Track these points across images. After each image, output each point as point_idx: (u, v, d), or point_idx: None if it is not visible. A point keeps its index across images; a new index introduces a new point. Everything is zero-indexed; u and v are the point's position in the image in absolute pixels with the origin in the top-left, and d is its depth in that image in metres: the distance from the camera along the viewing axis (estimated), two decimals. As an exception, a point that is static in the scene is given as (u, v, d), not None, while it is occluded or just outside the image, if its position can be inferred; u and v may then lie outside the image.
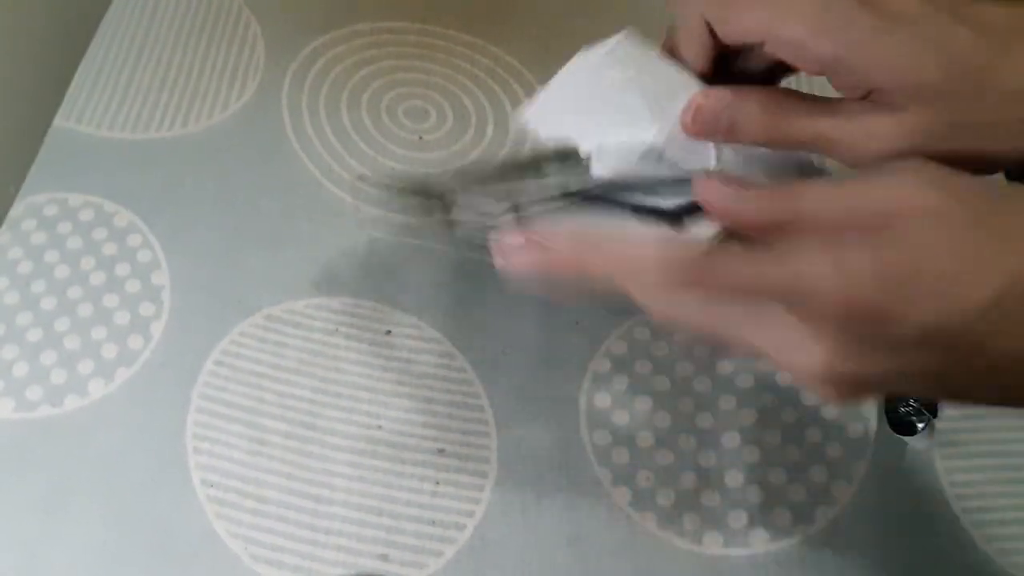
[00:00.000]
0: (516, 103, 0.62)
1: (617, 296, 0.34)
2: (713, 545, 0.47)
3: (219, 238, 0.55)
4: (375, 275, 0.54)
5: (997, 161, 0.35)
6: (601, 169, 0.39)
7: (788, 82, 0.40)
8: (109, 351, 0.51)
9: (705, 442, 0.50)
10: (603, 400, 0.51)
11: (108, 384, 0.50)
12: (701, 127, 0.37)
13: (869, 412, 0.51)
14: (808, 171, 0.40)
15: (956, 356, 0.30)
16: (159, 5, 0.65)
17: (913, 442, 0.50)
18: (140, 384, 0.50)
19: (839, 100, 0.36)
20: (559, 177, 0.40)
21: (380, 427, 0.50)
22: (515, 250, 0.35)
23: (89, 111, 0.60)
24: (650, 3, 0.67)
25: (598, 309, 0.54)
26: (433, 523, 0.47)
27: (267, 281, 0.54)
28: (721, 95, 0.37)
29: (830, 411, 0.51)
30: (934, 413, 0.50)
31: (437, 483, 0.48)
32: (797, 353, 0.31)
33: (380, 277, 0.54)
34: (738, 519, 0.48)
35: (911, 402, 0.50)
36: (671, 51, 0.40)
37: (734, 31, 0.37)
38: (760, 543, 0.47)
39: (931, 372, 0.30)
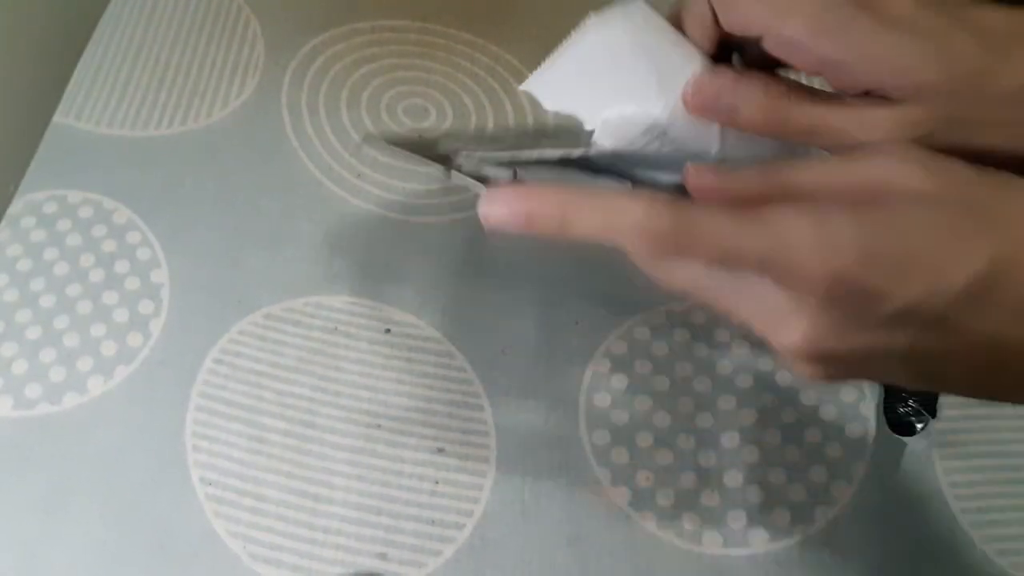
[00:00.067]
0: (516, 102, 0.62)
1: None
2: (713, 545, 0.47)
3: (218, 236, 0.55)
4: (375, 274, 0.54)
5: (995, 160, 0.35)
6: (604, 140, 0.38)
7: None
8: (108, 349, 0.51)
9: (705, 442, 0.50)
10: (603, 400, 0.51)
11: (107, 382, 0.50)
12: (701, 104, 0.37)
13: (868, 412, 0.51)
14: None
15: (934, 336, 0.29)
16: (158, 2, 0.65)
17: (912, 442, 0.50)
18: (139, 382, 0.50)
19: (839, 94, 0.36)
20: (559, 147, 0.40)
21: (379, 426, 0.50)
22: (498, 200, 0.34)
23: (88, 108, 0.60)
24: (650, 3, 0.67)
25: (598, 309, 0.54)
26: (432, 522, 0.47)
27: (266, 279, 0.54)
28: (725, 75, 0.37)
29: (830, 411, 0.51)
30: (933, 414, 0.50)
31: (436, 482, 0.48)
32: (779, 326, 0.31)
33: (380, 276, 0.54)
34: (738, 519, 0.48)
35: (910, 403, 0.50)
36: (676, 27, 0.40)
37: (736, 21, 0.37)
38: (760, 543, 0.47)
39: (908, 352, 0.30)
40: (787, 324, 0.30)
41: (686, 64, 0.38)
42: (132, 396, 0.50)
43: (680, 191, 0.36)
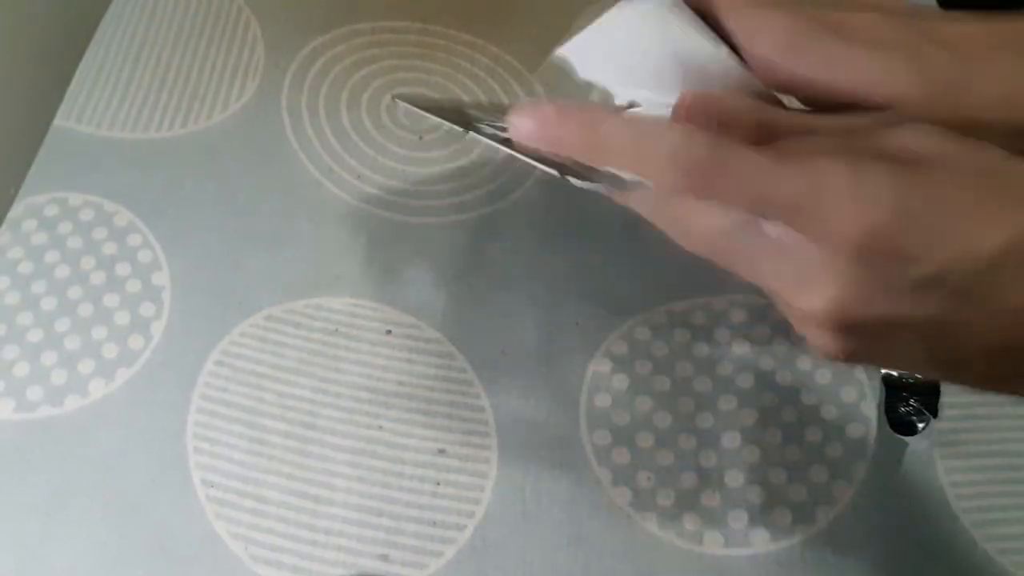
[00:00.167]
0: (516, 102, 0.62)
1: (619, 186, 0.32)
2: (713, 545, 0.47)
3: (219, 238, 0.55)
4: (376, 276, 0.54)
5: None
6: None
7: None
8: (109, 351, 0.51)
9: (705, 442, 0.50)
10: (603, 400, 0.51)
11: (108, 384, 0.50)
12: (694, 113, 0.37)
13: (869, 412, 0.51)
14: None
15: (959, 307, 0.29)
16: (159, 5, 0.65)
17: (913, 442, 0.50)
18: (140, 384, 0.50)
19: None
20: None
21: (380, 427, 0.50)
22: (529, 114, 0.32)
23: (89, 111, 0.60)
24: None
25: (598, 309, 0.54)
26: (433, 523, 0.47)
27: (267, 281, 0.54)
28: (710, 99, 0.37)
29: (831, 411, 0.51)
30: (934, 413, 0.50)
31: (437, 483, 0.48)
32: (804, 287, 0.29)
33: (380, 278, 0.54)
34: (738, 519, 0.48)
35: (911, 402, 0.50)
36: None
37: (722, 29, 0.37)
38: (760, 543, 0.47)
39: (931, 324, 0.29)
40: (813, 285, 0.29)
41: (713, 63, 0.37)
42: (133, 398, 0.50)
43: None
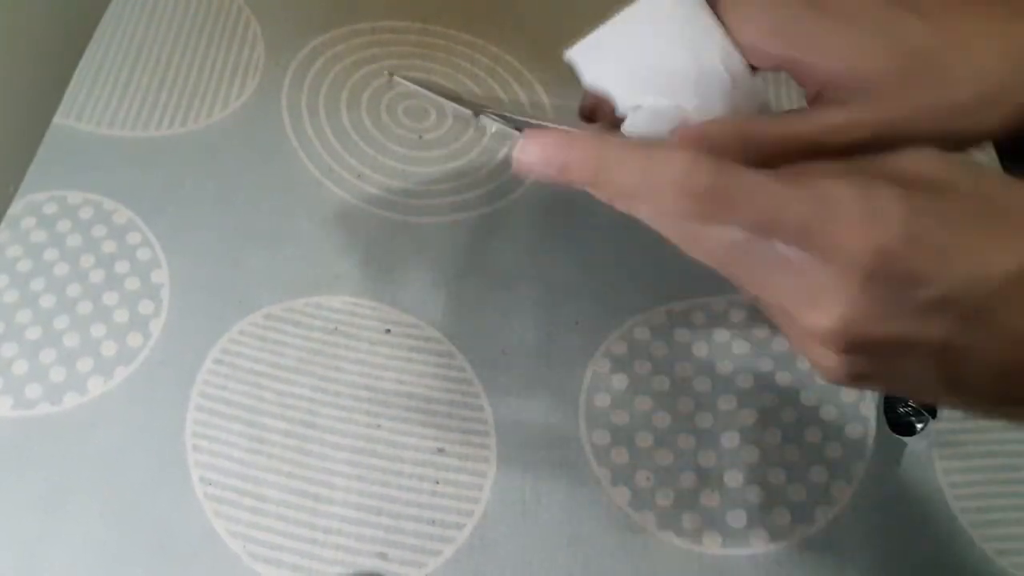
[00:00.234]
0: (516, 102, 0.62)
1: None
2: (713, 545, 0.47)
3: (218, 236, 0.55)
4: (375, 275, 0.54)
5: (962, 140, 0.35)
6: (632, 129, 0.38)
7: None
8: (108, 349, 0.51)
9: (705, 442, 0.50)
10: (603, 400, 0.51)
11: (107, 382, 0.50)
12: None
13: (868, 412, 0.51)
14: None
15: (967, 330, 0.28)
16: (159, 4, 0.65)
17: (912, 443, 0.50)
18: (139, 382, 0.50)
19: (795, 109, 0.37)
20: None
21: (379, 426, 0.50)
22: (533, 144, 0.32)
23: (89, 109, 0.60)
24: None
25: (598, 309, 0.54)
26: (432, 522, 0.47)
27: (267, 280, 0.54)
28: (691, 133, 0.37)
29: (830, 411, 0.51)
30: (933, 414, 0.50)
31: (437, 482, 0.48)
32: (812, 305, 0.29)
33: (380, 277, 0.54)
34: (738, 519, 0.48)
35: (910, 402, 0.50)
36: None
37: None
38: (760, 543, 0.47)
39: (938, 346, 0.29)
40: (820, 302, 0.29)
41: (725, 67, 0.38)
42: (132, 396, 0.50)
43: None
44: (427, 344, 0.52)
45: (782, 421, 0.50)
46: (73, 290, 0.52)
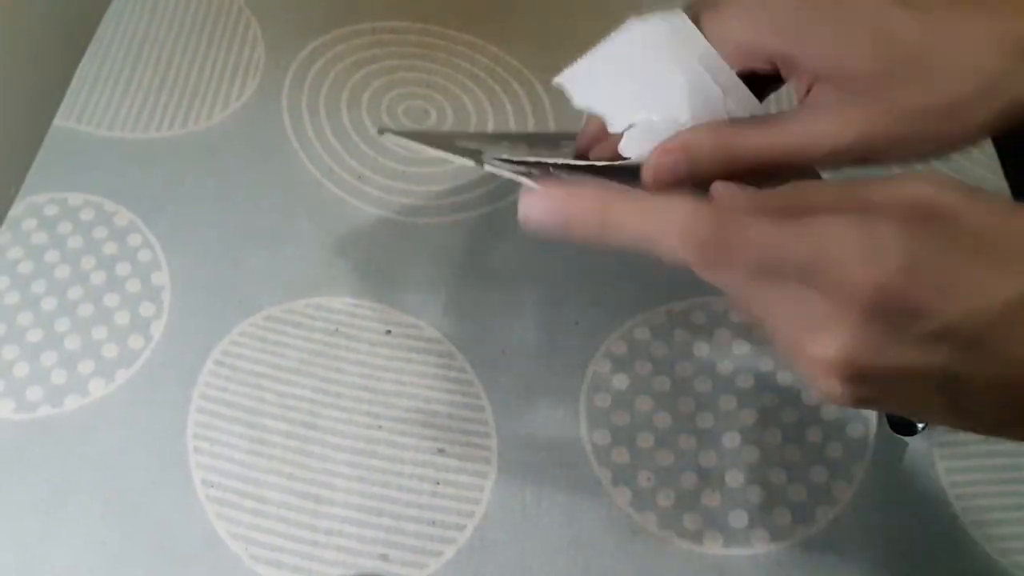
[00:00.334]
0: (516, 102, 0.62)
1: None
2: (713, 545, 0.47)
3: (219, 238, 0.55)
4: (375, 275, 0.54)
5: (951, 141, 0.35)
6: (628, 149, 0.38)
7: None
8: (109, 351, 0.51)
9: (705, 442, 0.50)
10: (603, 400, 0.51)
11: (108, 384, 0.50)
12: (664, 182, 0.37)
13: (869, 412, 0.51)
14: None
15: (969, 359, 0.29)
16: (159, 4, 0.65)
17: (913, 442, 0.50)
18: (140, 384, 0.50)
19: (780, 113, 0.37)
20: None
21: (380, 427, 0.50)
22: (537, 202, 0.33)
23: (89, 111, 0.60)
24: (649, 3, 0.67)
25: (598, 309, 0.54)
26: (433, 523, 0.47)
27: (267, 281, 0.54)
28: (673, 147, 0.37)
29: (830, 411, 0.51)
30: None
31: (437, 483, 0.48)
32: (815, 337, 0.30)
33: (380, 277, 0.54)
34: (738, 519, 0.48)
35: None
36: None
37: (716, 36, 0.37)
38: (760, 543, 0.47)
39: (941, 375, 0.29)
40: (824, 335, 0.29)
41: (717, 81, 0.38)
42: (133, 398, 0.50)
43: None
44: (427, 345, 0.52)
45: (783, 421, 0.50)
46: (74, 292, 0.52)
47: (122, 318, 0.52)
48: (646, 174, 0.37)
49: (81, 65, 0.62)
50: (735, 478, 0.49)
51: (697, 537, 0.47)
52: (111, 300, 0.52)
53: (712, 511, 0.48)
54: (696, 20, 0.38)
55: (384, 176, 0.58)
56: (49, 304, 0.52)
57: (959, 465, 0.49)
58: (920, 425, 0.50)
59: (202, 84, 0.61)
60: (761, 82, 0.39)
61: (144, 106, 0.60)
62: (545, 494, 0.48)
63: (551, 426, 0.50)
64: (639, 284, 0.54)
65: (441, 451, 0.49)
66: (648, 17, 0.40)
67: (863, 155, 0.35)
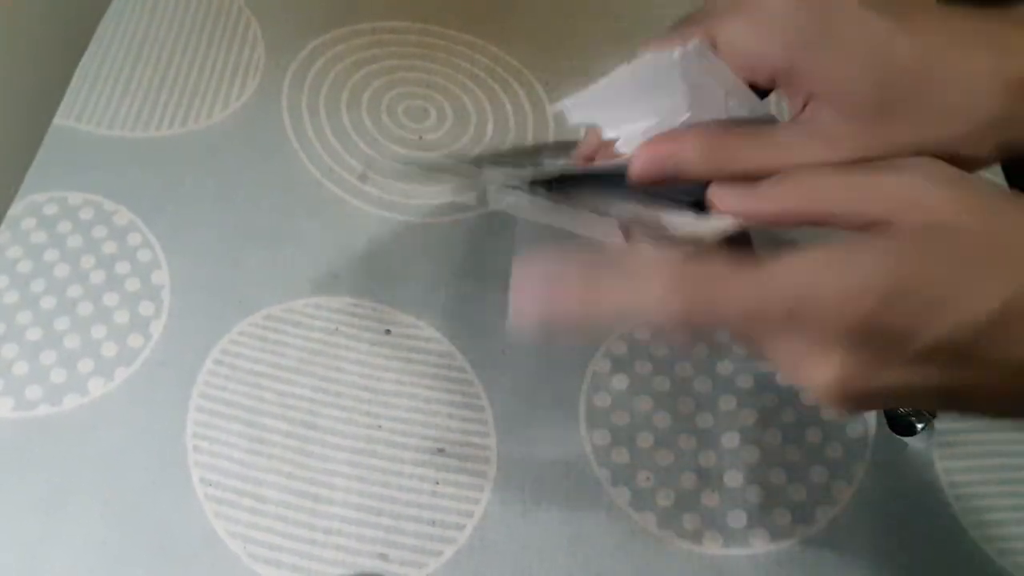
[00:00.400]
0: (516, 102, 0.62)
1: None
2: (713, 545, 0.47)
3: (219, 237, 0.55)
4: (375, 275, 0.54)
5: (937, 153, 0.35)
6: (625, 145, 0.38)
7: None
8: (109, 350, 0.51)
9: (705, 442, 0.50)
10: (603, 400, 0.51)
11: (108, 383, 0.50)
12: (647, 182, 0.37)
13: (869, 412, 0.51)
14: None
15: (962, 369, 0.29)
16: (159, 4, 0.65)
17: (913, 442, 0.50)
18: (140, 383, 0.50)
19: (774, 125, 0.37)
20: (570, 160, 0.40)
21: (380, 427, 0.50)
22: (524, 303, 0.35)
23: (89, 110, 0.60)
24: (649, 3, 0.67)
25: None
26: (433, 523, 0.47)
27: (267, 280, 0.54)
28: (660, 150, 0.37)
29: (830, 412, 0.51)
30: (933, 414, 0.50)
31: (437, 483, 0.48)
32: (809, 368, 0.31)
33: (380, 277, 0.54)
34: (738, 519, 0.48)
35: (911, 402, 0.50)
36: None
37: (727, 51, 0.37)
38: (760, 543, 0.47)
39: (940, 385, 0.30)
40: (815, 367, 0.31)
41: (716, 79, 0.37)
42: (133, 397, 0.50)
43: (698, 203, 0.36)
44: (427, 344, 0.52)
45: (782, 421, 0.50)
46: (74, 291, 0.52)
47: (121, 317, 0.52)
48: (632, 169, 0.37)
49: (81, 64, 0.62)
50: (735, 478, 0.49)
51: (696, 537, 0.47)
52: (110, 299, 0.52)
53: (712, 511, 0.48)
54: (701, 25, 0.38)
55: (384, 176, 0.58)
56: (48, 303, 0.52)
57: (959, 465, 0.50)
58: (920, 425, 0.50)
59: (202, 84, 0.61)
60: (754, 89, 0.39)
61: (144, 105, 0.60)
62: (545, 494, 0.48)
63: (551, 426, 0.50)
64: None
65: (441, 451, 0.49)
66: (668, 50, 0.40)
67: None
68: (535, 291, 0.34)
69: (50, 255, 0.54)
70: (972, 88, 0.33)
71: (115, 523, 0.46)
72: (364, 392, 0.51)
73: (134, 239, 0.55)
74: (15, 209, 0.55)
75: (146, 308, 0.52)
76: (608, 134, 0.39)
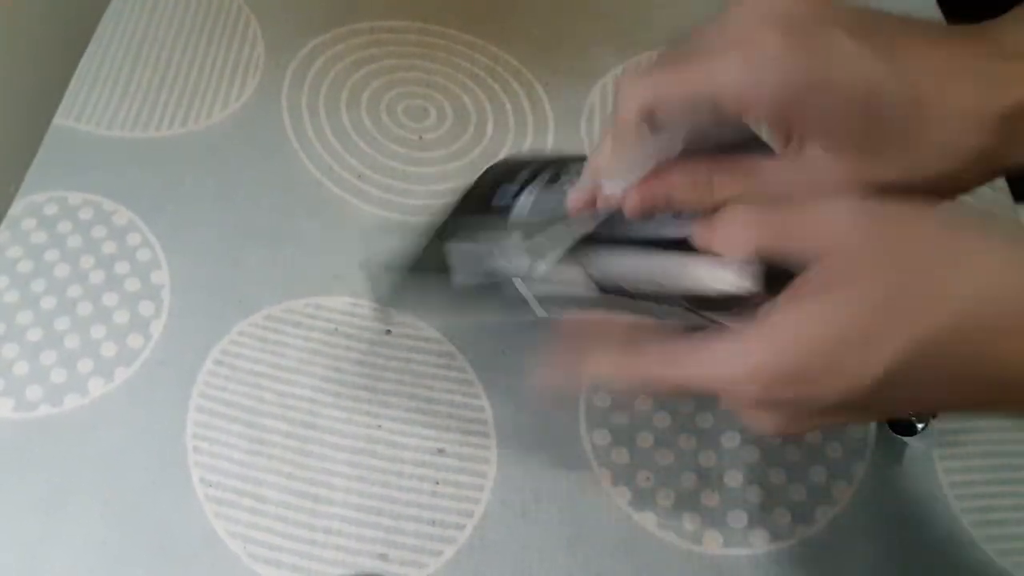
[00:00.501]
0: (516, 102, 0.62)
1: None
2: (713, 545, 0.47)
3: (219, 237, 0.55)
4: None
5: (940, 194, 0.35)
6: (613, 187, 0.38)
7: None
8: (109, 350, 0.51)
9: (705, 442, 0.50)
10: (603, 400, 0.51)
11: (108, 383, 0.50)
12: (642, 211, 0.38)
13: (869, 412, 0.51)
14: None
15: (875, 409, 0.34)
16: (159, 3, 0.65)
17: (912, 442, 0.50)
18: (140, 383, 0.50)
19: (764, 158, 0.37)
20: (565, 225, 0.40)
21: (380, 427, 0.50)
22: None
23: (89, 110, 0.60)
24: (649, 4, 0.67)
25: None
26: (433, 523, 0.47)
27: (267, 280, 0.54)
28: (652, 196, 0.38)
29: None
30: (933, 413, 0.50)
31: (437, 483, 0.48)
32: (752, 421, 0.35)
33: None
34: (738, 519, 0.48)
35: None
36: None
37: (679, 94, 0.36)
38: (760, 543, 0.47)
39: (860, 418, 0.35)
40: (756, 419, 0.34)
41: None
42: (133, 397, 0.50)
43: (683, 244, 0.37)
44: (427, 344, 0.52)
45: (782, 421, 0.50)
46: (74, 291, 0.52)
47: (121, 317, 0.52)
48: (626, 210, 0.38)
49: (81, 64, 0.62)
50: (735, 478, 0.49)
51: (696, 537, 0.47)
52: (110, 299, 0.52)
53: (711, 511, 0.48)
54: (693, 65, 0.37)
55: (384, 175, 0.58)
56: (48, 303, 0.52)
57: (959, 465, 0.50)
58: (920, 425, 0.50)
59: (202, 83, 0.61)
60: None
61: (144, 105, 0.60)
62: (545, 494, 0.48)
63: (551, 426, 0.50)
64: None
65: (441, 451, 0.49)
66: None
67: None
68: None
69: (50, 255, 0.54)
70: (959, 127, 0.34)
71: (115, 523, 0.46)
72: (364, 392, 0.51)
73: (134, 239, 0.55)
74: (15, 209, 0.55)
75: (146, 308, 0.52)
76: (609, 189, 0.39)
